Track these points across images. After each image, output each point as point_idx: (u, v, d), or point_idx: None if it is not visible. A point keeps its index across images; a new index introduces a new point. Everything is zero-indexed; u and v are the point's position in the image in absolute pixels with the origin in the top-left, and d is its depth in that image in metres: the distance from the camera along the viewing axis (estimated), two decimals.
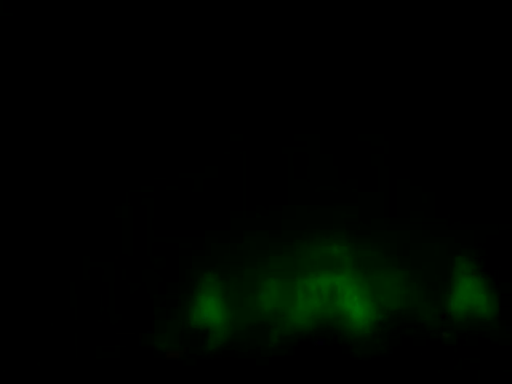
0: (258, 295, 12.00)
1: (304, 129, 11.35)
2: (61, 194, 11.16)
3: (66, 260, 11.02)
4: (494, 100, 10.56)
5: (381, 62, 10.89)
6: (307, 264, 12.04)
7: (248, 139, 11.36)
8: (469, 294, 11.12)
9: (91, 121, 11.19)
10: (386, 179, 11.38)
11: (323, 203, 11.52)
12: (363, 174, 11.27)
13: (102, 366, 9.36)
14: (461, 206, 10.99)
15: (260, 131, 11.32)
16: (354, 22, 10.74)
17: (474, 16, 10.14)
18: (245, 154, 11.49)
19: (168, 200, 11.52)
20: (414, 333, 10.43)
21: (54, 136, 11.13)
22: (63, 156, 11.18)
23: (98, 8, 10.33)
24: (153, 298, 11.25)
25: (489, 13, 10.00)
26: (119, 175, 11.32)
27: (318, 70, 11.04)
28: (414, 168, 11.25)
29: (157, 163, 11.50)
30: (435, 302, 10.96)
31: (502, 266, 10.43)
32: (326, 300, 11.80)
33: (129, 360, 9.65)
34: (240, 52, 10.94)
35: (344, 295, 11.75)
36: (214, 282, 11.94)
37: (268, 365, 9.78)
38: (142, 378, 9.05)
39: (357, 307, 11.58)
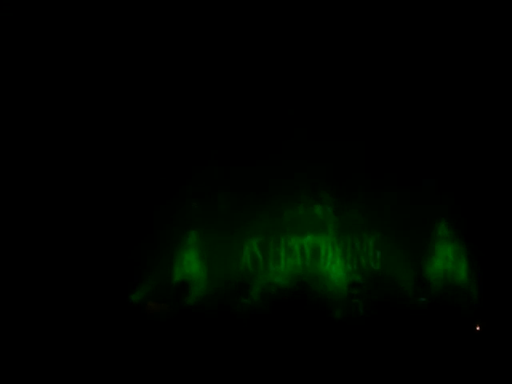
0: (241, 253, 12.02)
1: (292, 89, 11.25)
2: None
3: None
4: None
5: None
6: (291, 224, 12.08)
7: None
8: (447, 260, 11.22)
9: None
10: (374, 142, 11.33)
11: (309, 163, 11.48)
12: (350, 136, 11.22)
13: (84, 322, 9.36)
14: (444, 172, 11.00)
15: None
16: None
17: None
18: (230, 111, 11.41)
19: (150, 157, 11.45)
20: (390, 296, 10.55)
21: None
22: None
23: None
24: (135, 254, 11.23)
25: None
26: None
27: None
28: (402, 133, 11.20)
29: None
30: (414, 266, 11.05)
31: (481, 232, 10.49)
32: (309, 260, 11.88)
33: (109, 314, 9.68)
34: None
35: (326, 256, 11.82)
36: (196, 240, 11.94)
37: (247, 320, 9.86)
38: (122, 332, 9.09)
39: (338, 268, 11.67)
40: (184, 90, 11.27)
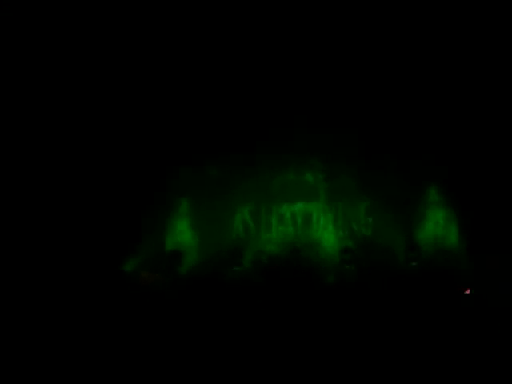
0: (233, 222, 12.02)
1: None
2: None
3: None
4: None
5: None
6: (282, 191, 12.07)
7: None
8: (437, 225, 11.29)
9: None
10: (366, 110, 11.28)
11: (299, 130, 11.41)
12: (339, 103, 11.15)
13: (78, 293, 9.38)
14: (434, 138, 10.99)
15: None
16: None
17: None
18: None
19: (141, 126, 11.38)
20: (382, 261, 10.63)
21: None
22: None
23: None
24: (126, 223, 11.21)
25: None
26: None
27: None
28: (395, 101, 11.15)
29: None
30: (405, 231, 11.10)
31: (471, 197, 10.53)
32: (300, 227, 11.91)
33: (104, 285, 9.70)
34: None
35: (318, 222, 11.86)
36: (187, 208, 11.91)
37: (239, 288, 9.93)
38: (116, 301, 9.13)
39: (329, 234, 11.71)
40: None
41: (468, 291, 9.00)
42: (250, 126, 11.41)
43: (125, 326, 8.47)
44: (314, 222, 11.83)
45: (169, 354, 8.09)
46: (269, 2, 9.94)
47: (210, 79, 11.24)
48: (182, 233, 11.82)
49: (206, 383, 7.67)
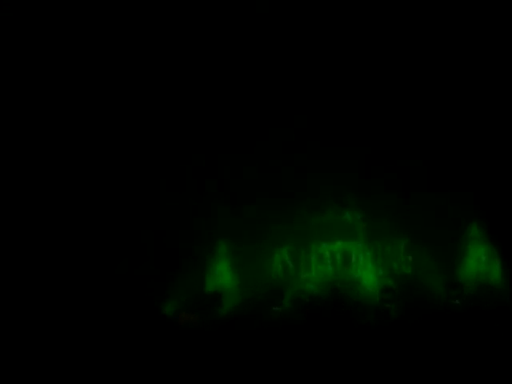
0: (272, 262, 12.04)
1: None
2: None
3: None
4: None
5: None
6: (321, 231, 12.07)
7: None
8: (479, 262, 11.09)
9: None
10: (400, 146, 11.27)
11: (334, 169, 11.44)
12: (375, 141, 11.17)
13: (114, 335, 9.45)
14: (471, 174, 10.88)
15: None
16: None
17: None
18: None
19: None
20: (422, 300, 10.47)
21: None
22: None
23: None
24: (167, 266, 11.33)
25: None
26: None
27: None
28: (429, 136, 11.12)
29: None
30: (446, 269, 10.93)
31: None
32: (340, 266, 11.86)
33: (141, 327, 9.77)
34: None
35: (357, 261, 11.79)
36: (227, 250, 11.97)
37: (280, 329, 9.89)
38: (155, 345, 9.18)
39: (369, 274, 11.63)
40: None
41: None
42: (286, 165, 11.49)
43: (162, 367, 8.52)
44: (353, 261, 11.78)
45: None
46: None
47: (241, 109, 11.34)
48: (222, 274, 11.88)
49: None
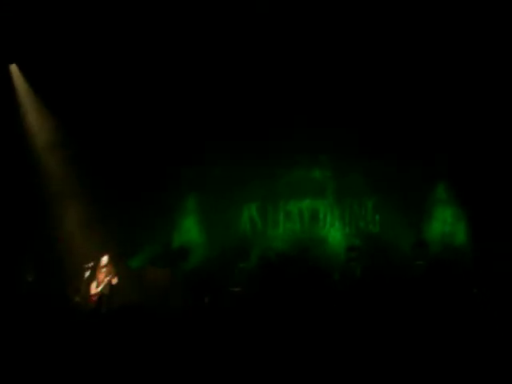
0: (240, 218, 12.03)
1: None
2: None
3: None
4: None
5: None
6: (289, 188, 12.04)
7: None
8: (445, 223, 11.21)
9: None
10: (371, 106, 11.19)
11: (308, 126, 11.30)
12: (348, 102, 11.07)
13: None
14: (442, 136, 10.90)
15: None
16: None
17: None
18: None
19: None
20: (388, 258, 10.58)
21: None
22: None
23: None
24: (133, 220, 11.24)
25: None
26: None
27: None
28: (401, 98, 11.05)
29: None
30: (412, 229, 11.03)
31: (478, 195, 10.45)
32: (307, 223, 11.89)
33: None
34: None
35: (325, 219, 11.83)
36: (195, 205, 11.92)
37: (246, 283, 9.94)
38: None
39: (336, 231, 11.69)
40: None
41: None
42: (258, 124, 11.35)
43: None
44: (320, 218, 11.82)
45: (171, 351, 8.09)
46: (273, 4, 9.86)
47: (217, 80, 11.16)
48: (189, 229, 11.85)
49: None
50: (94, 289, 9.62)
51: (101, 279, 9.69)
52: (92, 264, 9.68)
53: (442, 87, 10.64)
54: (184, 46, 10.71)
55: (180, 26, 10.25)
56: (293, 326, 8.42)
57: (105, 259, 9.86)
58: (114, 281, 9.74)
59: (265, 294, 9.38)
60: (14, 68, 11.14)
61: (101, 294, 9.45)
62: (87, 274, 9.64)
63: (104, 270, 9.77)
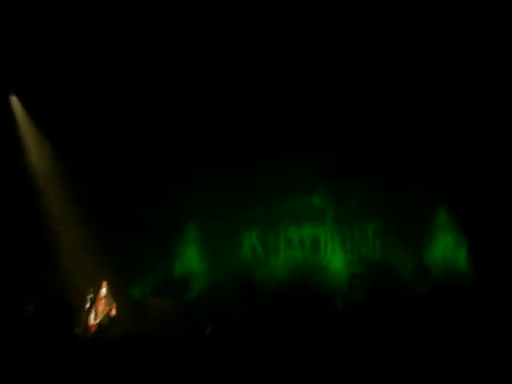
0: (241, 246, 11.99)
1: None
2: None
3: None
4: None
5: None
6: (289, 215, 12.02)
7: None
8: (446, 248, 11.18)
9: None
10: (371, 131, 11.21)
11: (305, 154, 11.30)
12: (347, 127, 11.09)
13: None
14: (443, 160, 10.91)
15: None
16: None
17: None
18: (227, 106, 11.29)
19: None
20: (390, 284, 10.53)
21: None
22: None
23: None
24: (133, 249, 11.20)
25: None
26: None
27: None
28: (399, 121, 11.06)
29: None
30: (413, 254, 10.99)
31: (479, 220, 10.43)
32: (308, 251, 11.85)
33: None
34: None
35: (326, 246, 11.80)
36: (196, 234, 11.89)
37: (248, 312, 9.86)
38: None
39: (337, 259, 11.64)
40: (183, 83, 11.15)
41: None
42: (257, 150, 11.36)
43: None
44: (322, 245, 11.79)
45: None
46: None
47: (218, 105, 11.20)
48: (189, 259, 11.80)
49: None
50: (93, 320, 9.59)
51: (100, 310, 9.67)
52: (92, 295, 9.66)
53: (442, 111, 10.66)
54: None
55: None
56: (295, 354, 8.35)
57: (104, 290, 9.85)
58: (113, 312, 9.71)
59: (267, 322, 9.31)
60: (14, 100, 11.20)
61: (99, 325, 9.43)
62: (87, 305, 9.62)
63: (103, 301, 9.76)
